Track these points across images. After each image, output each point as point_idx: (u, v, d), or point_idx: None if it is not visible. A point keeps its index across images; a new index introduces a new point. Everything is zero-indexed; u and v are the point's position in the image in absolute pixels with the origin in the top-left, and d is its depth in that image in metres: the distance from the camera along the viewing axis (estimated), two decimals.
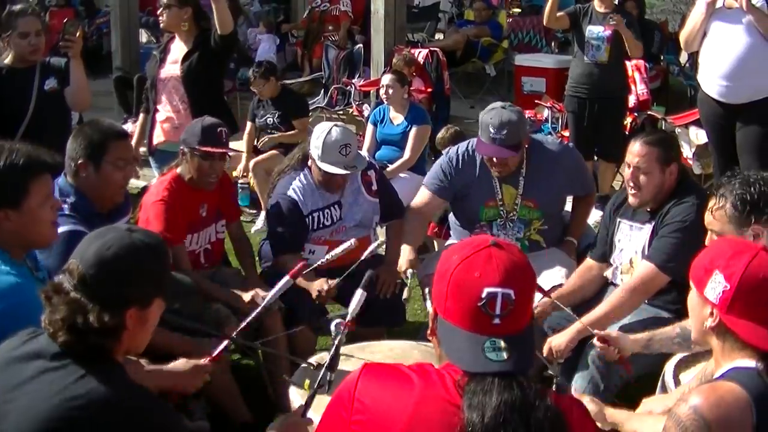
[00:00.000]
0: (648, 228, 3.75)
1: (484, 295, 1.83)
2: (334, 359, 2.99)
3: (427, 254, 5.70)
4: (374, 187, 4.46)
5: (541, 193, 4.25)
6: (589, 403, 2.72)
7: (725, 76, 5.14)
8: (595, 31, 6.68)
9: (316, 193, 4.29)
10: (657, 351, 3.31)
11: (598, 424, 2.71)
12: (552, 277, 4.12)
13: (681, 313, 3.13)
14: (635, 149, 3.69)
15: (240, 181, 7.23)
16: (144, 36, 11.60)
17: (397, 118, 6.78)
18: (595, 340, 3.29)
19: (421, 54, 8.82)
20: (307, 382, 3.07)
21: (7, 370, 2.04)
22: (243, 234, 4.57)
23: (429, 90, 8.55)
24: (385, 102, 6.85)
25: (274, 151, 7.09)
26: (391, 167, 6.46)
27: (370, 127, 6.97)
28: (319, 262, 3.80)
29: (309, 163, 4.31)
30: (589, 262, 4.01)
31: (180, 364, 2.91)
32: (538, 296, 3.87)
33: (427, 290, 3.99)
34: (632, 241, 3.82)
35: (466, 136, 5.58)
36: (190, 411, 3.71)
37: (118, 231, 2.11)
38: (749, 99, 5.13)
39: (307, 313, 4.16)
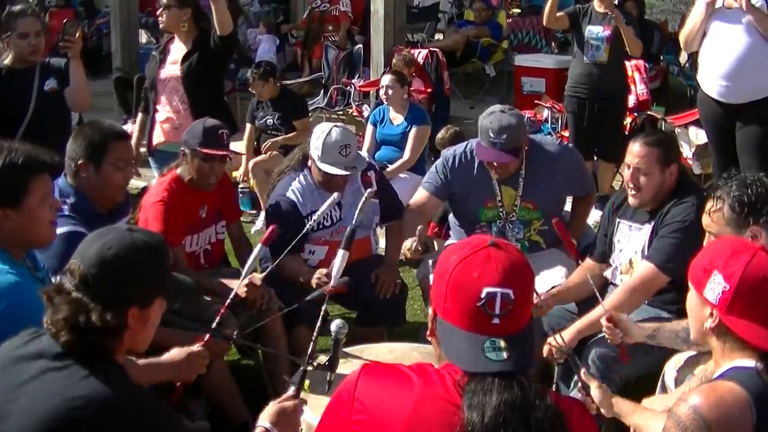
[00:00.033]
0: (647, 228, 3.75)
1: (483, 295, 1.83)
2: (334, 360, 3.00)
3: (426, 254, 5.70)
4: (374, 188, 4.46)
5: (541, 194, 4.25)
6: (596, 390, 2.72)
7: (725, 76, 5.14)
8: (594, 31, 6.68)
9: (315, 193, 4.29)
10: (660, 344, 3.29)
11: (603, 411, 2.72)
12: (552, 277, 4.12)
13: (681, 313, 3.12)
14: (635, 150, 3.69)
15: (240, 185, 7.21)
16: (144, 36, 11.61)
17: (397, 119, 6.78)
18: (603, 320, 3.25)
19: (420, 54, 8.82)
20: (307, 382, 3.07)
21: (9, 370, 2.05)
22: (243, 234, 4.57)
23: (429, 90, 8.55)
24: (385, 102, 6.85)
25: (274, 152, 7.09)
26: (390, 168, 6.47)
27: (369, 128, 6.97)
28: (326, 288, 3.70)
29: (309, 163, 4.32)
30: (588, 262, 4.01)
31: (174, 354, 2.88)
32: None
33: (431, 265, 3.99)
34: (632, 242, 3.83)
35: (466, 137, 5.58)
36: (190, 411, 3.71)
37: (118, 231, 2.12)
38: (749, 99, 5.12)
39: (306, 314, 4.16)
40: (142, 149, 5.82)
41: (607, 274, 3.93)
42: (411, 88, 7.44)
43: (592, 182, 4.85)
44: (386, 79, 6.86)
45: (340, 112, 9.17)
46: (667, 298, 3.66)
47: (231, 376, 3.94)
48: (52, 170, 2.81)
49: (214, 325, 3.11)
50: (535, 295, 3.60)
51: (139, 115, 5.90)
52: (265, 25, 11.73)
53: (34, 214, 2.68)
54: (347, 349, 3.31)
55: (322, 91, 10.00)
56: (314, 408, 2.89)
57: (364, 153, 5.42)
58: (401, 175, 6.45)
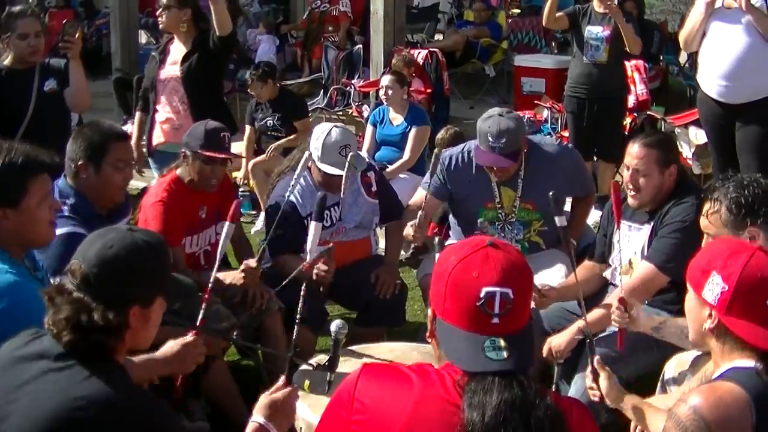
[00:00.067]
0: (647, 228, 3.75)
1: (482, 294, 1.83)
2: (334, 360, 3.00)
3: (426, 254, 5.71)
4: (374, 188, 4.46)
5: (540, 195, 4.24)
6: (605, 380, 2.72)
7: (724, 76, 5.14)
8: (594, 31, 6.68)
9: (315, 194, 4.28)
10: (664, 338, 3.27)
11: (607, 401, 2.71)
12: (552, 277, 4.12)
13: (681, 314, 3.11)
14: (634, 151, 3.69)
15: (241, 189, 7.20)
16: (143, 37, 11.62)
17: (397, 119, 6.79)
18: (615, 301, 3.21)
19: (420, 55, 8.83)
20: (307, 382, 3.08)
21: (10, 370, 2.05)
22: (243, 235, 4.58)
23: (428, 91, 8.55)
24: (385, 103, 6.85)
25: (273, 153, 7.09)
26: (390, 168, 6.47)
27: (369, 128, 6.97)
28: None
29: (309, 164, 4.31)
30: (588, 262, 4.02)
31: (167, 348, 2.86)
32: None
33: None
34: (631, 242, 3.83)
35: (466, 137, 5.58)
36: (190, 411, 3.71)
37: (119, 231, 2.13)
38: (748, 99, 5.12)
39: (307, 314, 4.16)
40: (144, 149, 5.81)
41: (607, 274, 3.93)
42: (411, 89, 7.44)
43: (592, 182, 4.85)
44: (386, 80, 6.86)
45: (340, 113, 9.17)
46: (667, 298, 3.66)
47: (231, 376, 3.94)
48: (52, 171, 2.81)
49: (201, 315, 3.07)
50: (537, 286, 3.63)
51: (137, 114, 5.90)
52: (264, 25, 11.74)
53: (34, 214, 2.68)
54: (346, 349, 3.31)
55: (321, 92, 10.00)
56: (314, 408, 2.90)
57: (363, 153, 5.42)
58: (401, 176, 6.46)
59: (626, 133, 7.11)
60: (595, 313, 3.59)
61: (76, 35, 4.79)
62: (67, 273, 2.07)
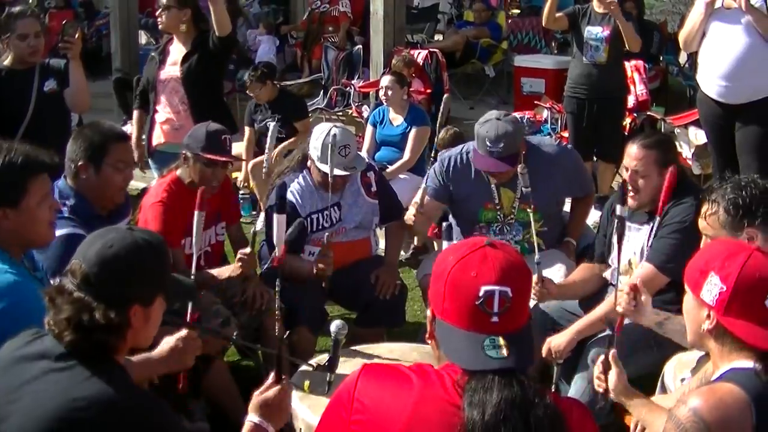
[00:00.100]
0: (646, 229, 3.75)
1: (481, 293, 1.84)
2: (334, 360, 3.00)
3: (426, 255, 5.71)
4: (374, 189, 4.46)
5: (540, 196, 4.25)
6: (614, 375, 2.71)
7: (724, 77, 5.14)
8: (593, 31, 6.68)
9: (315, 194, 4.29)
10: (666, 334, 3.26)
11: (612, 394, 2.71)
12: (551, 276, 4.12)
13: (680, 313, 3.12)
14: (632, 152, 3.69)
15: (241, 192, 7.19)
16: (143, 37, 11.62)
17: (397, 120, 6.78)
18: (627, 286, 3.16)
19: (420, 55, 8.82)
20: (307, 383, 3.08)
21: (11, 370, 2.05)
22: (243, 236, 4.57)
23: (428, 91, 8.55)
24: (385, 103, 6.85)
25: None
26: (390, 168, 6.46)
27: (369, 128, 6.97)
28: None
29: (308, 164, 4.32)
30: (588, 263, 4.02)
31: (165, 345, 2.86)
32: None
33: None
34: (631, 242, 3.82)
35: (466, 138, 5.58)
36: (190, 411, 3.72)
37: (119, 231, 2.14)
38: (748, 99, 5.12)
39: (306, 314, 4.17)
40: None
41: (607, 274, 3.93)
42: (410, 89, 7.43)
43: (591, 183, 4.85)
44: (386, 80, 6.86)
45: (340, 113, 9.17)
46: (667, 299, 3.65)
47: (231, 376, 3.95)
48: (52, 171, 2.81)
49: (189, 311, 3.06)
50: (538, 279, 3.62)
51: (136, 112, 5.90)
52: (264, 26, 11.74)
53: (33, 214, 2.68)
54: (346, 350, 3.31)
55: (321, 92, 10.00)
56: (314, 408, 2.90)
57: (363, 154, 5.42)
58: (401, 176, 6.45)
59: (626, 133, 7.10)
60: (595, 313, 3.60)
61: (76, 36, 4.79)
62: (67, 273, 2.07)
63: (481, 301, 1.84)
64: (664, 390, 3.28)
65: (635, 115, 7.53)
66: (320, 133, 4.22)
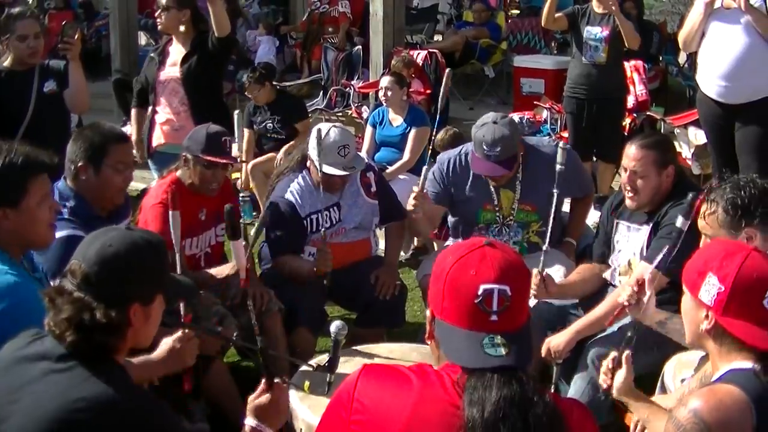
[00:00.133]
0: (646, 229, 3.75)
1: (480, 292, 1.84)
2: (334, 360, 3.00)
3: (426, 255, 5.71)
4: (373, 189, 4.46)
5: (539, 197, 4.25)
6: (622, 375, 2.70)
7: (724, 77, 5.14)
8: (593, 32, 6.68)
9: (314, 194, 4.29)
10: (667, 333, 3.26)
11: (615, 391, 2.71)
12: (551, 276, 4.12)
13: (679, 312, 3.11)
14: (631, 153, 3.69)
15: (242, 195, 7.19)
16: (143, 38, 11.62)
17: (396, 120, 6.78)
18: (633, 281, 3.11)
19: (419, 55, 8.83)
20: (307, 383, 3.08)
21: (11, 371, 2.05)
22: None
23: (428, 91, 8.55)
24: (384, 104, 6.85)
25: (272, 154, 7.08)
26: (390, 169, 6.47)
27: (369, 129, 6.97)
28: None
29: (308, 164, 4.32)
30: (588, 262, 4.02)
31: (164, 346, 2.86)
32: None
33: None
34: (630, 243, 3.83)
35: (465, 138, 5.58)
36: (190, 412, 3.71)
37: (118, 230, 2.16)
38: (748, 99, 5.13)
39: (306, 315, 4.17)
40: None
41: (606, 275, 3.94)
42: (410, 90, 7.44)
43: (591, 183, 4.86)
44: (385, 81, 6.86)
45: (340, 114, 9.17)
46: (666, 298, 3.66)
47: (231, 377, 3.95)
48: (52, 171, 2.82)
49: (182, 312, 3.06)
50: (537, 274, 3.62)
51: (134, 110, 5.91)
52: (264, 26, 11.74)
53: (33, 215, 2.69)
54: (346, 350, 3.31)
55: (321, 93, 10.01)
56: (314, 409, 2.90)
57: (363, 154, 5.42)
58: (401, 177, 6.45)
59: (626, 133, 7.11)
60: (594, 314, 3.59)
61: (76, 37, 4.79)
62: (66, 274, 2.07)
63: (480, 300, 1.84)
64: (664, 390, 3.28)
65: (635, 115, 7.54)
66: (319, 133, 4.22)
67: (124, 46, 10.39)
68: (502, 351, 1.83)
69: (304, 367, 3.21)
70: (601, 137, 6.84)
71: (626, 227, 3.86)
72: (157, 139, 5.60)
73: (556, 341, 3.62)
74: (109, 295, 2.03)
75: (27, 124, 4.77)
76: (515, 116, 7.86)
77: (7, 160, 2.65)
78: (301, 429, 2.98)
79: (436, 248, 5.65)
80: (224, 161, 4.11)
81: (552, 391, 3.12)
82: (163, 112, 5.55)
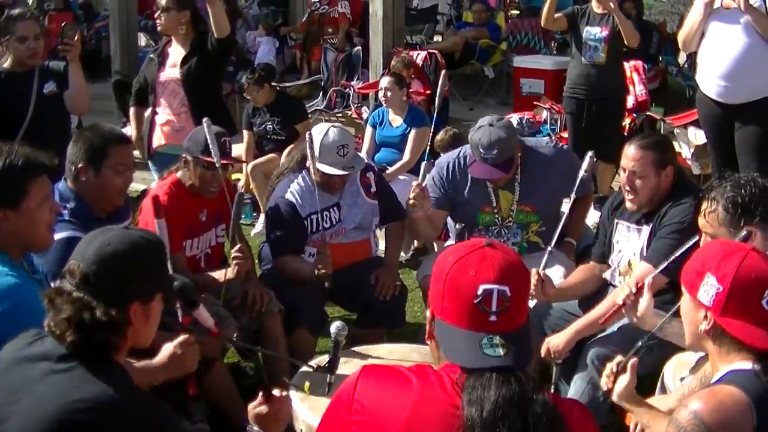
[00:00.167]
0: (646, 230, 3.76)
1: (479, 292, 1.84)
2: (334, 361, 3.00)
3: (426, 256, 5.71)
4: (373, 189, 4.46)
5: (538, 198, 4.25)
6: (624, 381, 2.68)
7: (723, 77, 5.14)
8: (592, 32, 6.68)
9: (314, 195, 4.29)
10: (666, 337, 3.26)
11: (615, 395, 2.70)
12: (551, 277, 4.12)
13: (677, 314, 3.12)
14: (630, 153, 3.69)
15: (245, 197, 7.18)
16: (143, 40, 11.61)
17: (396, 121, 6.79)
18: (632, 284, 3.14)
19: (419, 56, 8.83)
20: (307, 384, 3.08)
21: (12, 372, 2.05)
22: (242, 237, 4.57)
23: (428, 92, 8.56)
24: (384, 104, 6.85)
25: (272, 155, 7.08)
26: (390, 169, 6.47)
27: (369, 130, 6.97)
28: None
29: (307, 164, 4.32)
30: (588, 262, 4.02)
31: (164, 352, 2.86)
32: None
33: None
34: (630, 243, 3.83)
35: (465, 138, 5.58)
36: (190, 412, 3.71)
37: (116, 230, 2.16)
38: (747, 99, 5.13)
39: (306, 316, 4.17)
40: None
41: (606, 275, 3.94)
42: (410, 90, 7.44)
43: (589, 183, 4.85)
44: (385, 81, 6.86)
45: (339, 115, 9.17)
46: (666, 298, 3.66)
47: (231, 378, 3.95)
48: (52, 173, 2.82)
49: (180, 315, 3.06)
50: (536, 275, 3.62)
51: (132, 109, 5.91)
52: (264, 27, 11.74)
53: (34, 216, 2.69)
54: (346, 351, 3.31)
55: (321, 94, 10.00)
56: (314, 409, 2.90)
57: (363, 155, 5.42)
58: (401, 177, 6.46)
59: (625, 133, 7.11)
60: (594, 313, 3.59)
61: (76, 38, 4.80)
62: (65, 274, 2.07)
63: (480, 300, 1.84)
64: (664, 390, 3.28)
65: (635, 115, 7.54)
66: (318, 133, 4.23)
67: (124, 48, 10.38)
68: (501, 351, 1.83)
69: (304, 368, 3.22)
70: (601, 137, 6.83)
71: (626, 227, 3.86)
72: (158, 140, 5.60)
73: (555, 341, 3.62)
74: (108, 294, 2.03)
75: (27, 125, 4.77)
76: (515, 117, 7.87)
77: (7, 162, 2.66)
78: (301, 430, 2.98)
79: (436, 249, 5.65)
80: (224, 162, 4.11)
81: (552, 391, 3.13)
82: (163, 114, 5.55)
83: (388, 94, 6.74)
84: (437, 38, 11.67)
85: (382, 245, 4.73)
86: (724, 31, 5.10)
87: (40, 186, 2.71)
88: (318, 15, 11.22)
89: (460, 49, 10.09)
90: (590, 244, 4.20)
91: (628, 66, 7.49)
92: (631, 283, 3.16)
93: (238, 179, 7.29)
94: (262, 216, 6.20)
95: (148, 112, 5.80)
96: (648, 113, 7.72)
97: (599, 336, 3.65)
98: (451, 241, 4.68)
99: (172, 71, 5.46)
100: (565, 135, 7.23)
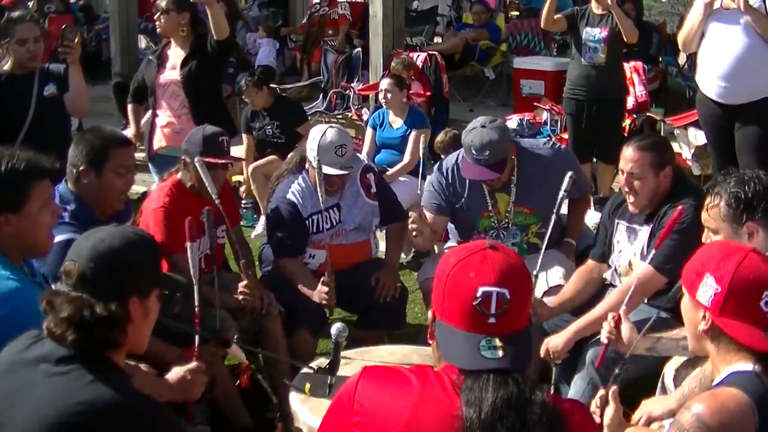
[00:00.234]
0: (646, 230, 3.76)
1: (479, 294, 1.85)
2: (334, 363, 3.00)
3: (426, 257, 5.71)
4: (373, 190, 4.47)
5: (536, 199, 4.25)
6: (611, 412, 2.62)
7: (723, 77, 5.14)
8: (592, 33, 6.69)
9: (314, 195, 4.29)
10: (660, 354, 3.30)
11: (605, 430, 2.68)
12: (550, 278, 4.13)
13: (675, 314, 3.14)
14: (628, 155, 3.69)
15: (244, 201, 7.18)
16: (143, 42, 11.62)
17: (397, 122, 6.79)
18: (610, 317, 3.18)
19: (419, 57, 8.83)
20: (308, 385, 3.08)
21: (11, 374, 2.05)
22: (243, 239, 4.58)
23: (428, 93, 8.56)
24: (384, 106, 6.86)
25: (272, 156, 7.08)
26: (390, 171, 6.47)
27: (369, 131, 6.97)
28: None
29: (306, 165, 4.32)
30: (589, 263, 4.02)
31: (174, 374, 2.89)
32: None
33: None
34: (630, 243, 3.83)
35: None
36: (191, 414, 3.72)
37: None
38: (747, 100, 5.13)
39: (307, 317, 4.17)
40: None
41: (607, 275, 3.94)
42: (410, 92, 7.44)
43: (588, 183, 4.86)
44: (385, 83, 6.87)
45: (340, 116, 9.17)
46: (666, 299, 3.67)
47: (231, 379, 3.94)
48: (53, 176, 2.82)
49: (197, 343, 3.09)
50: (538, 299, 3.63)
51: (130, 106, 5.92)
52: (264, 29, 11.74)
53: (35, 220, 2.69)
54: (347, 352, 3.31)
55: (321, 95, 10.00)
56: (315, 411, 2.91)
57: (363, 156, 5.43)
58: (401, 179, 6.46)
59: (625, 134, 7.11)
60: (593, 314, 3.60)
61: (76, 40, 4.80)
62: (61, 276, 2.08)
63: (479, 302, 1.85)
64: (664, 390, 3.29)
65: (635, 116, 7.54)
66: (316, 134, 4.23)
67: (124, 50, 10.39)
68: (499, 353, 1.83)
69: (305, 370, 3.22)
70: (601, 138, 6.84)
71: (626, 227, 3.86)
72: (158, 142, 5.61)
73: (554, 342, 3.62)
74: (107, 290, 2.03)
75: (27, 127, 4.77)
76: (515, 118, 7.87)
77: (9, 165, 2.66)
78: (302, 431, 2.98)
79: (436, 251, 5.65)
80: (223, 161, 4.12)
81: (552, 391, 3.13)
82: (163, 115, 5.55)
83: (389, 95, 6.75)
84: (437, 40, 11.66)
85: (382, 246, 4.73)
86: (723, 31, 5.11)
87: (42, 190, 2.72)
88: (318, 17, 11.23)
89: (460, 51, 10.09)
90: (590, 245, 4.20)
91: (628, 67, 7.49)
92: (610, 319, 3.17)
93: (239, 181, 7.29)
94: (263, 218, 6.21)
95: (148, 115, 5.81)
96: (648, 114, 7.72)
97: (599, 336, 3.64)
98: (451, 243, 4.68)
99: (171, 73, 5.46)
100: (566, 136, 7.23)
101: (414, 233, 4.12)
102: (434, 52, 9.15)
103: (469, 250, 1.92)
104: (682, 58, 9.64)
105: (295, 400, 3.06)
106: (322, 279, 4.03)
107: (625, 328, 3.13)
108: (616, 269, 3.90)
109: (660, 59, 9.49)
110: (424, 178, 4.58)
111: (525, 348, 1.91)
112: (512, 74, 9.53)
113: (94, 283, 2.03)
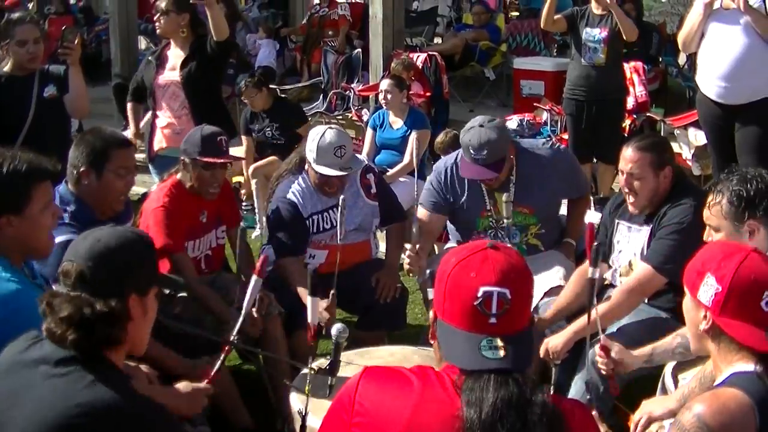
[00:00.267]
0: (646, 230, 3.76)
1: (480, 294, 1.85)
2: (335, 363, 3.00)
3: (427, 258, 5.70)
4: (373, 191, 4.46)
5: (535, 199, 4.25)
6: (617, 352, 2.75)
7: (723, 77, 5.14)
8: (592, 33, 6.69)
9: (314, 196, 4.30)
10: (659, 363, 3.32)
11: (622, 369, 2.76)
12: (550, 279, 4.13)
13: (675, 314, 3.14)
14: (627, 155, 3.69)
15: (244, 204, 7.17)
16: (143, 43, 11.63)
17: (397, 123, 6.80)
18: (597, 347, 3.26)
19: (419, 58, 8.84)
20: (308, 386, 3.08)
21: (10, 375, 2.05)
22: (244, 240, 4.56)
23: (428, 94, 8.56)
24: (384, 106, 6.86)
25: (273, 157, 7.07)
26: (390, 171, 6.47)
27: (369, 132, 6.98)
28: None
29: (306, 166, 4.32)
30: (587, 264, 4.02)
31: (182, 386, 2.90)
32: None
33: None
34: (631, 243, 3.83)
35: None
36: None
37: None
38: (747, 100, 5.13)
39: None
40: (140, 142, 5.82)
41: (607, 275, 3.94)
42: (410, 92, 7.44)
43: (587, 183, 4.86)
44: (385, 84, 6.87)
45: (340, 117, 9.17)
46: (666, 299, 3.67)
47: (231, 379, 3.95)
48: (54, 177, 2.83)
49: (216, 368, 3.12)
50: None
51: (130, 104, 5.92)
52: (264, 30, 11.75)
53: (36, 221, 2.69)
54: (347, 353, 3.31)
55: (321, 96, 10.01)
56: (315, 411, 2.90)
57: (363, 157, 5.43)
58: (401, 179, 6.47)
59: (625, 134, 7.11)
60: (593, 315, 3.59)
61: (76, 41, 4.80)
62: (59, 277, 2.08)
63: (480, 302, 1.85)
64: (664, 391, 3.29)
65: (635, 116, 7.54)
66: (315, 135, 4.23)
67: (124, 51, 10.40)
68: (500, 354, 1.83)
69: (305, 370, 3.21)
70: (601, 138, 6.84)
71: (626, 228, 3.86)
72: (159, 143, 5.61)
73: (554, 342, 3.62)
74: (106, 288, 2.04)
75: (27, 129, 4.77)
76: (515, 118, 7.87)
77: (11, 167, 2.66)
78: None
79: (436, 251, 5.65)
80: (221, 161, 4.12)
81: (552, 391, 3.13)
82: (164, 116, 5.55)
83: (389, 96, 6.75)
84: (437, 40, 11.67)
85: (382, 247, 4.73)
86: (723, 31, 5.11)
87: (44, 191, 2.72)
88: (318, 17, 11.23)
89: (460, 51, 10.09)
90: None
91: (628, 67, 7.49)
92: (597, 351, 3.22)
93: (239, 183, 7.29)
94: (263, 218, 6.21)
95: (148, 116, 5.81)
96: (648, 114, 7.72)
97: (599, 336, 3.64)
98: (451, 243, 4.67)
99: (171, 74, 5.47)
100: (566, 136, 7.23)
101: (407, 267, 4.10)
102: (434, 53, 9.15)
103: (470, 250, 1.92)
104: (682, 59, 9.64)
105: (296, 400, 3.07)
106: (323, 303, 3.91)
107: (615, 351, 3.19)
108: (616, 269, 3.90)
109: (660, 59, 9.49)
110: (423, 178, 4.58)
111: (526, 348, 1.91)
112: (512, 75, 9.53)
113: (92, 282, 2.04)
